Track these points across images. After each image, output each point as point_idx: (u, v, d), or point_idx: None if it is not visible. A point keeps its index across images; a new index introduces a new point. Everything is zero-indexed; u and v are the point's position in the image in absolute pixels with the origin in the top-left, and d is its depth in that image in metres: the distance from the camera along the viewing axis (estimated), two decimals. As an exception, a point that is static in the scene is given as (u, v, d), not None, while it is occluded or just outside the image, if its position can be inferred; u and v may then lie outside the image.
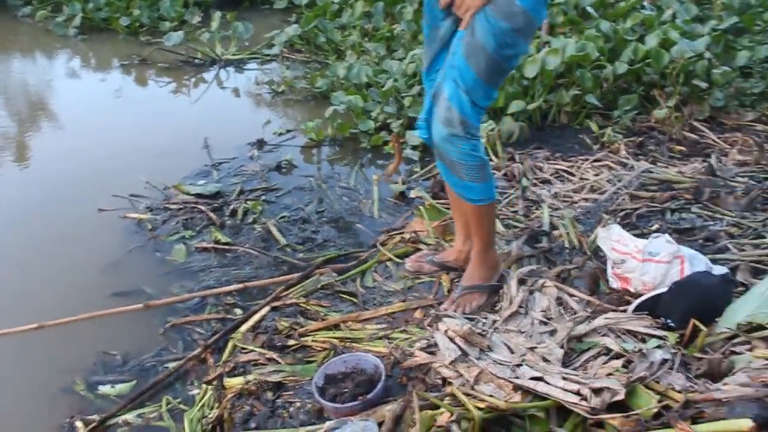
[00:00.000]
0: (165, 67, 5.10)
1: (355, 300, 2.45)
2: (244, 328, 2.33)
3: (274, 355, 2.13)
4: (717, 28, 4.52)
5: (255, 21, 5.69)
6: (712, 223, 2.77)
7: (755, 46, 4.39)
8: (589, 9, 4.67)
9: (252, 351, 2.19)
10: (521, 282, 2.29)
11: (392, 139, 3.42)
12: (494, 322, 2.14)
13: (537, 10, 1.97)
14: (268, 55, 5.34)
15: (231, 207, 3.18)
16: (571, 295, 2.24)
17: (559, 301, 2.20)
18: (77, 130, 4.11)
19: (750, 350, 1.81)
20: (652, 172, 3.25)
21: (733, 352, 1.85)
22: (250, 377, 2.03)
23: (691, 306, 2.00)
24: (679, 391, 1.68)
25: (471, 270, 2.34)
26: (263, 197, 3.28)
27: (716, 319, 2.00)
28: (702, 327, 1.91)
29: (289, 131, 4.05)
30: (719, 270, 2.19)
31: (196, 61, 5.22)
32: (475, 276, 2.31)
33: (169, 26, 5.67)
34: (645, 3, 4.89)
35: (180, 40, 5.25)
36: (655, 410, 1.58)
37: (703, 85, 4.04)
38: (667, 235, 2.28)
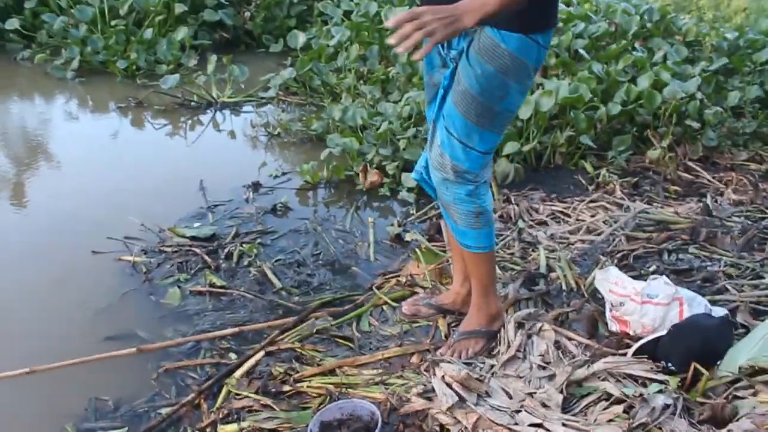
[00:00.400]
0: (161, 110, 5.11)
1: (351, 344, 2.41)
2: (238, 373, 2.29)
3: (269, 402, 2.09)
4: (707, 69, 4.57)
5: (251, 64, 5.72)
6: (709, 263, 2.76)
7: (745, 87, 4.44)
8: (581, 51, 4.72)
9: (246, 397, 2.15)
10: (519, 326, 2.27)
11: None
12: (492, 366, 2.11)
13: (526, 52, 1.88)
14: (263, 97, 5.37)
15: (226, 250, 3.15)
16: (570, 339, 2.21)
17: (558, 345, 2.18)
18: (73, 172, 4.10)
19: (753, 395, 1.78)
20: (648, 213, 3.25)
21: (737, 397, 1.83)
22: (244, 424, 1.99)
23: (691, 349, 1.98)
24: (682, 438, 1.64)
25: (470, 315, 2.31)
26: (258, 240, 3.25)
27: (717, 363, 1.98)
28: (703, 371, 1.89)
29: (284, 173, 4.04)
30: (719, 311, 2.18)
31: (192, 103, 5.23)
32: (474, 321, 2.28)
33: (165, 69, 5.70)
34: (637, 45, 4.95)
35: (176, 83, 5.27)
36: (659, 458, 1.55)
37: (696, 125, 4.07)
38: (665, 276, 2.27)
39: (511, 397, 1.89)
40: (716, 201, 3.49)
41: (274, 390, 2.16)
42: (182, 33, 5.98)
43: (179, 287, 2.88)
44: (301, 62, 5.25)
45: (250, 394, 2.15)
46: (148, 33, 5.92)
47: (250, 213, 3.54)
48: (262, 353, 2.38)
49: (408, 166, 3.83)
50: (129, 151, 4.45)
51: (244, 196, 3.75)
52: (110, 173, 4.05)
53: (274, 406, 2.07)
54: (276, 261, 3.08)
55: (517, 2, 1.70)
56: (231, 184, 3.86)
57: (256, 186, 3.84)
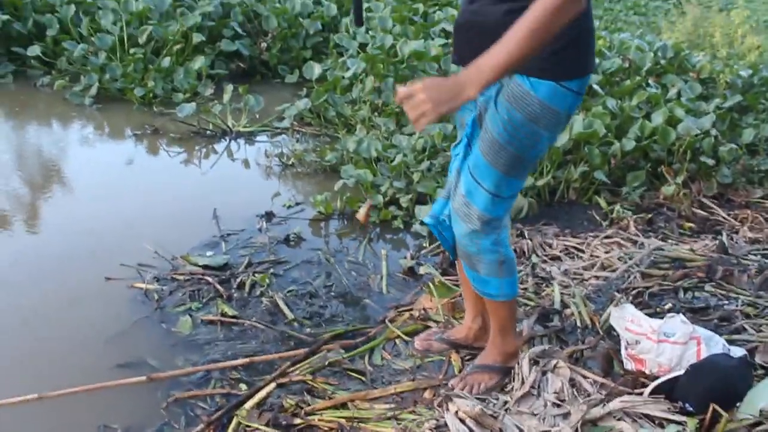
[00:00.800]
0: (177, 138, 5.14)
1: (363, 378, 2.39)
2: (249, 404, 2.26)
3: (280, 435, 2.07)
4: (721, 107, 4.57)
5: (266, 94, 5.77)
6: (726, 302, 2.73)
7: (760, 124, 4.43)
8: (596, 86, 4.73)
9: (257, 429, 2.12)
10: (533, 362, 2.24)
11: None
12: (505, 403, 2.08)
13: (558, 101, 1.78)
14: (278, 127, 5.40)
15: (239, 279, 3.14)
16: (585, 377, 2.18)
17: (572, 383, 2.15)
18: (88, 197, 4.12)
19: (774, 439, 1.74)
20: (663, 250, 3.22)
21: (757, 441, 1.79)
22: (254, 458, 1.97)
23: (710, 389, 1.95)
24: (702, 482, 1.61)
25: (487, 350, 2.30)
26: (271, 270, 3.24)
27: (737, 405, 1.94)
28: (723, 412, 1.85)
29: (298, 204, 4.04)
30: (737, 352, 2.15)
31: (208, 132, 5.27)
32: (489, 357, 2.26)
33: (182, 98, 5.74)
34: (651, 81, 4.96)
35: (192, 112, 5.31)
36: (678, 503, 1.51)
37: (711, 161, 4.06)
38: (682, 315, 2.24)
39: (525, 436, 1.86)
40: (732, 238, 3.46)
41: (284, 423, 2.13)
42: (199, 62, 6.04)
43: (191, 316, 2.86)
44: (316, 93, 5.29)
45: (261, 427, 2.12)
46: (166, 62, 5.98)
47: (263, 243, 3.53)
48: (273, 385, 2.35)
49: (422, 199, 3.83)
50: (144, 178, 4.48)
51: (257, 225, 3.75)
52: (125, 200, 4.07)
53: (285, 440, 2.05)
54: (288, 291, 3.06)
55: (524, 57, 1.57)
56: (244, 214, 3.86)
57: (269, 216, 3.85)
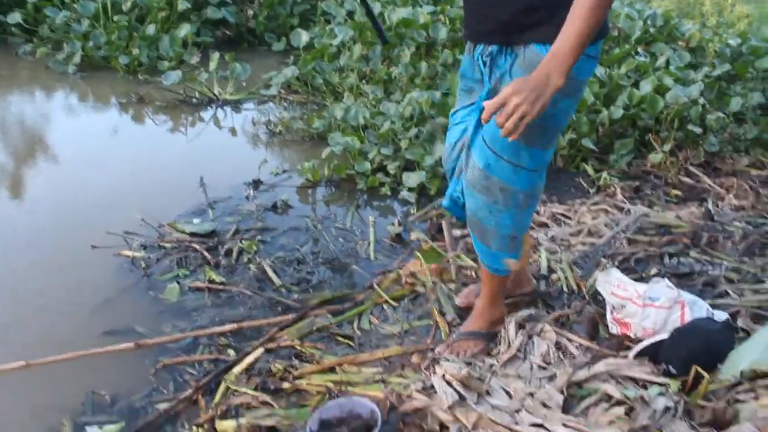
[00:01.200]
0: (162, 106, 5.10)
1: (351, 343, 2.41)
2: (237, 369, 2.27)
3: (268, 398, 2.08)
4: (710, 75, 4.57)
5: (253, 62, 5.71)
6: (710, 267, 2.76)
7: (747, 93, 4.43)
8: (584, 55, 4.71)
9: (245, 393, 2.14)
10: (520, 326, 2.26)
11: None
12: (492, 366, 2.10)
13: (576, 67, 1.73)
14: (265, 95, 5.35)
15: (226, 246, 3.13)
16: (571, 341, 2.20)
17: (559, 346, 2.17)
18: (73, 167, 4.08)
19: (755, 399, 1.77)
20: (649, 217, 3.24)
21: (738, 401, 1.82)
22: (242, 421, 1.98)
23: (692, 352, 1.97)
24: (683, 441, 1.63)
25: (473, 317, 2.31)
26: (258, 237, 3.24)
27: (719, 366, 1.97)
28: (705, 374, 1.88)
29: (285, 171, 4.03)
30: (720, 316, 2.17)
31: (194, 100, 5.22)
32: (475, 324, 2.29)
33: (167, 66, 5.68)
34: (640, 49, 4.94)
35: (178, 80, 5.26)
36: (660, 460, 1.54)
37: (698, 130, 4.07)
38: (667, 279, 2.26)
39: (511, 397, 1.88)
40: (717, 206, 3.48)
41: (273, 387, 2.15)
42: (185, 30, 5.96)
43: (178, 283, 2.86)
44: (303, 61, 5.24)
45: (249, 391, 2.14)
46: (151, 29, 5.90)
47: (250, 210, 3.52)
48: (261, 350, 2.37)
49: (410, 166, 3.82)
50: (130, 146, 4.44)
51: (244, 193, 3.74)
52: (111, 168, 4.04)
53: (273, 403, 2.06)
54: (276, 258, 3.06)
55: (592, 34, 1.62)
56: (231, 181, 3.85)
57: (256, 183, 3.83)
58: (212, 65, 5.38)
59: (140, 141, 4.59)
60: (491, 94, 1.91)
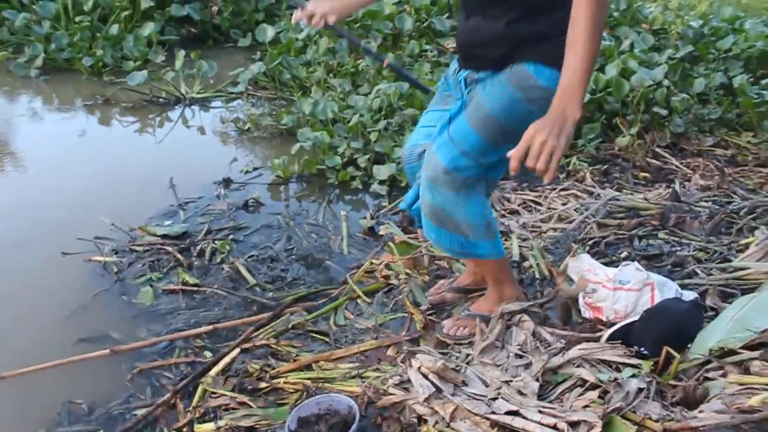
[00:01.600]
0: (129, 107, 5.04)
1: (326, 339, 2.41)
2: (214, 371, 2.27)
3: (246, 399, 2.08)
4: (674, 57, 4.62)
5: (219, 59, 5.67)
6: (679, 248, 2.80)
7: (710, 74, 4.49)
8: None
9: (223, 395, 2.13)
10: (501, 316, 2.27)
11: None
12: (468, 356, 2.11)
13: (556, 85, 1.78)
14: (233, 92, 5.32)
15: (198, 247, 3.12)
16: (545, 327, 2.22)
17: (534, 334, 2.19)
18: (40, 172, 4.03)
19: (723, 376, 1.81)
20: (618, 200, 3.28)
21: (707, 378, 1.85)
22: (221, 423, 1.98)
23: (663, 333, 2.00)
24: (656, 420, 1.67)
25: (483, 299, 2.36)
26: (231, 236, 3.23)
27: (689, 346, 2.00)
28: (675, 354, 1.91)
29: (255, 169, 4.02)
30: (689, 295, 2.20)
31: (161, 100, 5.17)
32: (485, 306, 2.32)
33: (132, 66, 5.62)
34: (604, 33, 4.98)
35: (144, 80, 5.21)
36: (633, 442, 1.57)
37: (663, 112, 4.11)
38: (636, 262, 2.29)
39: (487, 386, 1.90)
40: (684, 186, 3.53)
41: (250, 387, 2.15)
42: (149, 29, 5.89)
43: (152, 286, 2.84)
44: (270, 56, 5.22)
45: (227, 392, 2.13)
46: (114, 29, 5.83)
47: (221, 209, 3.51)
48: (237, 350, 2.36)
49: (380, 159, 3.83)
50: (97, 149, 4.40)
51: (215, 192, 3.73)
52: (78, 172, 3.99)
53: (251, 404, 2.06)
54: (249, 257, 3.06)
55: (593, 60, 1.65)
56: (202, 181, 3.82)
57: (227, 182, 3.82)
58: (178, 64, 5.33)
59: (108, 143, 4.54)
60: (464, 106, 1.97)
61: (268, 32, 5.68)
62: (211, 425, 1.98)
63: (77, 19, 5.84)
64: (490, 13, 1.87)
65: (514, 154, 1.63)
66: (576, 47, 1.62)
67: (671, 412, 1.72)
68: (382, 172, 3.66)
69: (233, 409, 2.06)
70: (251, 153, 4.31)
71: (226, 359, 2.32)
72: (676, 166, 3.86)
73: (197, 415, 2.06)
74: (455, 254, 2.24)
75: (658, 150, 4.04)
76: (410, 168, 2.27)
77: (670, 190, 3.39)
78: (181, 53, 5.40)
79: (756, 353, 1.84)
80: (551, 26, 1.76)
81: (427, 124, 2.20)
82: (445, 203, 2.00)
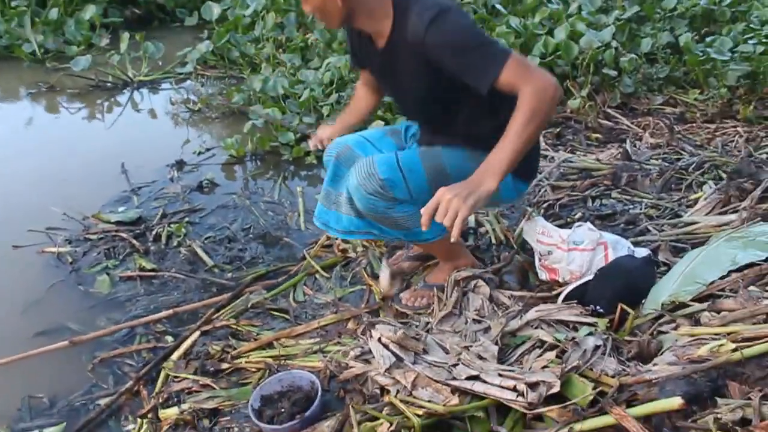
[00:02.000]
0: (75, 93, 4.93)
1: (287, 316, 2.41)
2: (175, 355, 2.26)
3: (208, 381, 2.07)
4: (621, 18, 4.65)
5: (166, 40, 5.56)
6: (631, 206, 2.85)
7: (657, 33, 4.54)
8: (498, 6, 4.74)
9: (185, 379, 2.12)
10: (456, 283, 2.29)
11: None
12: (427, 324, 2.13)
13: (507, 194, 2.13)
14: (181, 73, 5.23)
15: (154, 232, 3.08)
16: (503, 292, 2.25)
17: (492, 299, 2.21)
18: (-15, 164, 3.94)
19: (675, 329, 1.85)
20: (571, 162, 3.32)
21: (660, 332, 1.89)
22: (184, 406, 1.97)
23: (617, 290, 2.04)
24: (613, 376, 1.70)
25: (437, 269, 2.39)
26: (186, 219, 3.19)
27: (642, 301, 2.04)
28: (629, 310, 1.95)
29: (208, 149, 3.96)
30: (641, 252, 2.24)
31: (108, 84, 5.06)
32: (440, 276, 2.34)
33: (75, 51, 5.48)
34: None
35: (88, 65, 5.09)
36: (591, 398, 1.60)
37: (613, 73, 4.16)
38: (589, 223, 2.32)
39: (447, 353, 1.91)
40: (635, 146, 3.58)
41: (212, 369, 2.14)
42: (90, 11, 5.75)
43: (108, 274, 2.81)
44: (217, 34, 5.13)
45: (189, 376, 2.12)
46: (54, 13, 5.67)
47: (175, 192, 3.47)
48: (198, 333, 2.35)
49: (333, 133, 3.80)
50: (44, 138, 4.29)
51: (168, 175, 3.68)
52: (26, 163, 3.90)
53: (214, 386, 2.05)
54: (206, 239, 3.03)
55: (524, 150, 1.75)
56: (154, 165, 3.77)
57: (180, 164, 3.76)
58: (123, 46, 5.22)
59: (55, 131, 4.44)
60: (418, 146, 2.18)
61: (215, 10, 5.58)
62: (174, 410, 1.97)
63: (13, 4, 5.66)
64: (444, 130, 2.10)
65: (425, 209, 1.71)
66: (509, 133, 1.73)
67: (627, 366, 1.75)
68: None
69: (196, 392, 2.05)
70: (203, 133, 4.25)
71: (187, 342, 2.31)
72: (627, 126, 3.91)
73: (161, 401, 2.05)
74: (401, 240, 2.30)
75: (609, 111, 4.09)
76: (328, 160, 2.34)
77: (622, 150, 3.44)
78: (126, 35, 5.28)
79: (704, 305, 1.88)
80: (504, 124, 1.81)
81: (367, 136, 2.29)
82: (377, 206, 2.02)
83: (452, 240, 1.70)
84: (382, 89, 2.31)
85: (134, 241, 3.00)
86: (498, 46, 1.80)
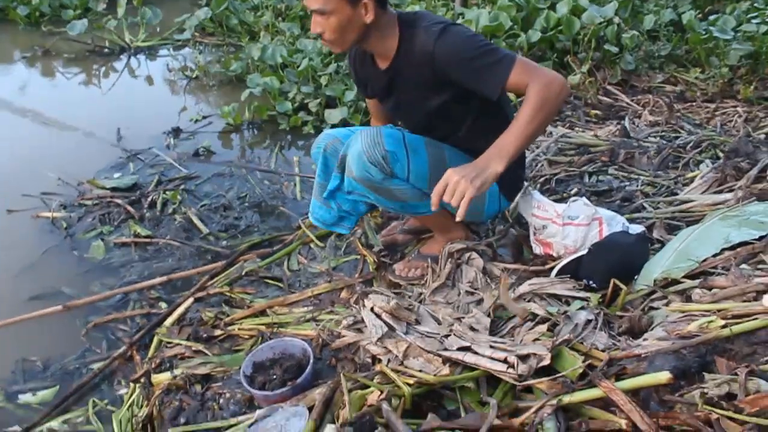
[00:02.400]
0: (71, 58, 4.89)
1: (280, 284, 2.43)
2: (168, 321, 2.28)
3: (201, 347, 2.08)
4: (624, -7, 4.63)
5: (163, 5, 5.51)
6: (628, 183, 2.84)
7: (660, 10, 4.52)
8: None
9: (178, 344, 2.13)
10: (450, 255, 2.30)
11: None
12: (420, 294, 2.14)
13: (491, 207, 2.21)
14: (179, 40, 5.19)
15: (149, 199, 3.08)
16: (496, 265, 2.26)
17: (485, 271, 2.22)
18: (-20, 129, 3.92)
19: (666, 305, 1.86)
20: (569, 137, 3.31)
21: (652, 308, 1.90)
22: (177, 372, 1.99)
23: (611, 266, 2.04)
24: (603, 350, 1.71)
25: (432, 241, 2.40)
26: (182, 186, 3.20)
27: (635, 277, 2.05)
28: (622, 286, 1.96)
29: (205, 117, 3.95)
30: (636, 229, 2.25)
31: (105, 50, 5.03)
32: (435, 247, 2.36)
33: (72, 14, 5.43)
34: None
35: (85, 29, 5.04)
36: (580, 371, 1.61)
37: (614, 49, 4.14)
38: (584, 198, 2.32)
39: (440, 323, 1.93)
40: (634, 123, 3.58)
41: (205, 335, 2.15)
42: (87, -26, 5.68)
43: (103, 240, 2.81)
44: (216, 1, 5.08)
45: (182, 342, 2.14)
46: (50, -25, 5.61)
47: (172, 159, 3.46)
48: (191, 300, 2.37)
49: (331, 103, 3.80)
50: (40, 103, 4.27)
51: (164, 142, 3.67)
52: (21, 127, 3.89)
53: (206, 352, 2.07)
54: (201, 206, 3.04)
55: (532, 138, 1.83)
56: (150, 132, 3.76)
57: (176, 132, 3.76)
58: (120, 11, 5.17)
59: (51, 96, 4.42)
60: None
61: (214, -24, 5.51)
62: (167, 375, 1.98)
63: (9, -34, 5.60)
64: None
65: (434, 190, 1.76)
66: (519, 119, 1.78)
67: (617, 341, 1.77)
68: (334, 115, 3.64)
69: (189, 357, 2.07)
70: (200, 101, 4.24)
71: (181, 309, 2.32)
72: (627, 103, 3.90)
73: (154, 366, 2.06)
74: (397, 212, 2.31)
75: (609, 87, 4.08)
76: (317, 152, 2.32)
77: (620, 126, 3.43)
78: (123, 0, 5.23)
79: (696, 282, 1.90)
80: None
81: (357, 130, 2.26)
82: (373, 179, 2.01)
83: (457, 219, 1.74)
84: (385, 108, 2.31)
85: (129, 208, 3.00)
86: (503, 50, 1.86)
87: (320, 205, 2.34)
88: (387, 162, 1.97)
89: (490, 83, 1.85)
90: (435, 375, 1.69)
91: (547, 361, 1.65)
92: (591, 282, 2.05)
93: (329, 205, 2.32)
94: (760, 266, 1.90)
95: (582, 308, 1.91)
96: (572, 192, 2.77)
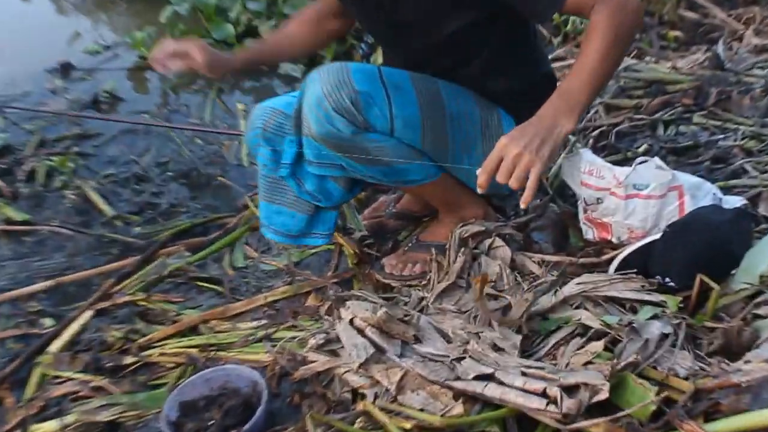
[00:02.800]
0: None
1: (219, 288, 2.44)
2: (55, 346, 2.27)
3: (104, 382, 2.08)
4: None
5: None
6: (721, 136, 2.84)
7: None
8: None
9: (70, 379, 2.13)
10: (462, 243, 2.29)
11: None
12: (421, 300, 2.14)
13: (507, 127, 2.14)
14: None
15: (26, 167, 3.08)
16: (530, 256, 2.26)
17: (514, 265, 2.22)
18: None
19: (777, 312, 1.86)
20: (636, 71, 3.30)
21: (757, 316, 1.90)
22: (68, 419, 1.98)
23: (695, 255, 2.04)
24: (686, 378, 1.71)
25: (437, 224, 2.43)
26: (75, 149, 3.20)
27: (732, 272, 2.04)
28: (713, 284, 1.95)
29: (107, 48, 3.94)
30: (733, 202, 2.24)
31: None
32: (434, 234, 2.39)
33: None
34: None
35: None
36: (654, 407, 1.61)
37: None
38: (657, 158, 2.31)
39: (449, 341, 1.92)
40: (731, 49, 3.57)
41: (110, 365, 2.16)
42: None
43: (-42, 230, 2.81)
44: None
45: (75, 375, 2.14)
46: None
47: (59, 110, 3.45)
48: (89, 313, 2.37)
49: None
50: None
51: (48, 85, 3.66)
52: None
53: (112, 389, 2.06)
54: (104, 177, 3.05)
55: (607, 79, 1.92)
56: (28, 69, 3.76)
57: (66, 69, 3.75)
58: None
59: None
60: None
61: None
62: (53, 424, 1.98)
63: None
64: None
65: (483, 167, 1.75)
66: (589, 56, 1.81)
67: (707, 364, 1.77)
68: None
69: (86, 397, 2.07)
70: (102, 24, 4.23)
71: (74, 327, 2.33)
72: (722, 21, 3.90)
73: (33, 412, 2.05)
74: (381, 183, 2.27)
75: (695, -1, 4.07)
76: (254, 137, 2.31)
77: (711, 54, 3.42)
78: None
79: (822, 278, 1.90)
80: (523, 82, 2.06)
81: None
82: (340, 135, 2.00)
83: (522, 206, 1.76)
84: (368, 31, 2.30)
85: (-3, 181, 3.00)
86: None
87: (276, 207, 2.32)
88: (358, 108, 1.95)
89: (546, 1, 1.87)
90: (443, 415, 1.69)
91: (604, 395, 1.65)
92: (667, 279, 2.05)
93: (290, 193, 2.30)
94: None
95: (654, 317, 1.91)
96: (640, 150, 2.78)
